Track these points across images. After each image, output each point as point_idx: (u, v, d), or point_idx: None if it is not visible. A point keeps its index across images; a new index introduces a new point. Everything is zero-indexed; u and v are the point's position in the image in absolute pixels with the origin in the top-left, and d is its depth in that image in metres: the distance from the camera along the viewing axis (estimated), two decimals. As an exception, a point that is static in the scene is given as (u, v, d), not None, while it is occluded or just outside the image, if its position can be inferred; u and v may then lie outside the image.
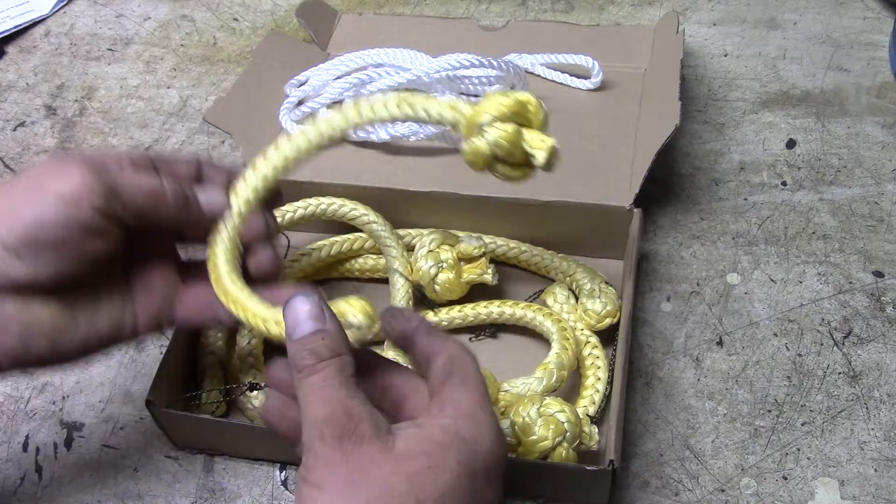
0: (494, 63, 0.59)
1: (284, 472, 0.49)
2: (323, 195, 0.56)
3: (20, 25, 0.83)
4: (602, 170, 0.57)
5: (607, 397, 0.48)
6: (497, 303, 0.53)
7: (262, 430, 0.46)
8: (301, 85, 0.63)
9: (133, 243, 0.40)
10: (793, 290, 0.56)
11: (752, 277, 0.56)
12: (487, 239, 0.56)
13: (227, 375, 0.52)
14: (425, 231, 0.56)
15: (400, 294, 0.54)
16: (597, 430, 0.46)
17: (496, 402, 0.48)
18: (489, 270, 0.54)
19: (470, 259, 0.54)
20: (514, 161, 0.38)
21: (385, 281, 0.56)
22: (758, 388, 0.51)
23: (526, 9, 0.80)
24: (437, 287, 0.53)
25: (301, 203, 0.56)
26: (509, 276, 0.57)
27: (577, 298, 0.53)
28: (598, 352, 0.51)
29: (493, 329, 0.54)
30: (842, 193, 0.61)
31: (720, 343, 0.53)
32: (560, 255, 0.56)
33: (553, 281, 0.56)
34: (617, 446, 0.43)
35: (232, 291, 0.40)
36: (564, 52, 0.65)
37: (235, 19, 0.83)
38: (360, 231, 0.56)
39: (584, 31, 0.70)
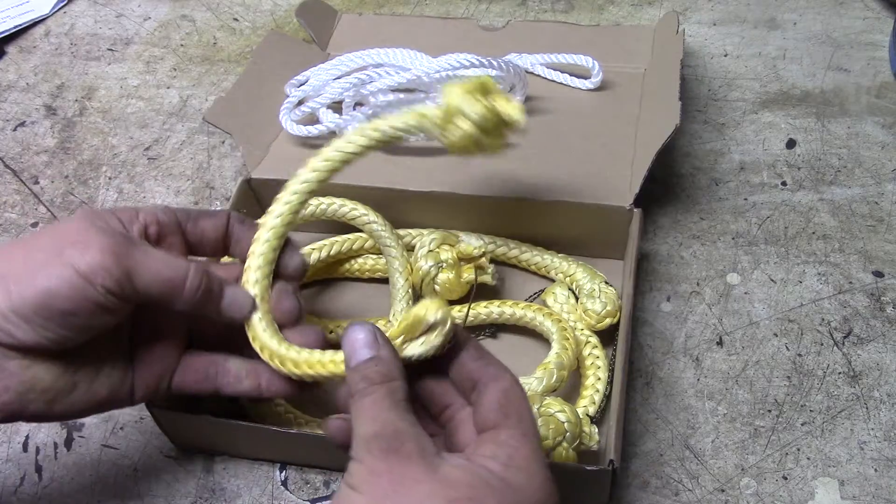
0: (494, 63, 0.59)
1: (284, 472, 0.49)
2: (323, 195, 0.56)
3: (20, 25, 0.83)
4: (602, 170, 0.57)
5: (607, 397, 0.48)
6: (497, 303, 0.53)
7: (262, 430, 0.46)
8: (301, 85, 0.63)
9: (143, 315, 0.41)
10: (793, 290, 0.56)
11: (752, 277, 0.56)
12: (487, 239, 0.56)
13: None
14: (425, 231, 0.56)
15: (400, 294, 0.54)
16: (597, 430, 0.46)
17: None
18: (489, 270, 0.54)
19: (470, 259, 0.54)
20: (495, 129, 0.43)
21: (385, 281, 0.56)
22: (758, 388, 0.51)
23: (526, 9, 0.80)
24: (437, 287, 0.53)
25: (301, 203, 0.56)
26: (509, 276, 0.57)
27: (577, 298, 0.53)
28: (598, 352, 0.51)
29: (493, 329, 0.55)
30: (842, 193, 0.61)
31: (720, 343, 0.53)
32: (560, 255, 0.56)
33: (553, 281, 0.56)
34: (617, 446, 0.43)
35: (283, 353, 0.40)
36: (564, 52, 0.65)
37: (235, 19, 0.83)
38: (360, 231, 0.56)
39: (584, 31, 0.70)
